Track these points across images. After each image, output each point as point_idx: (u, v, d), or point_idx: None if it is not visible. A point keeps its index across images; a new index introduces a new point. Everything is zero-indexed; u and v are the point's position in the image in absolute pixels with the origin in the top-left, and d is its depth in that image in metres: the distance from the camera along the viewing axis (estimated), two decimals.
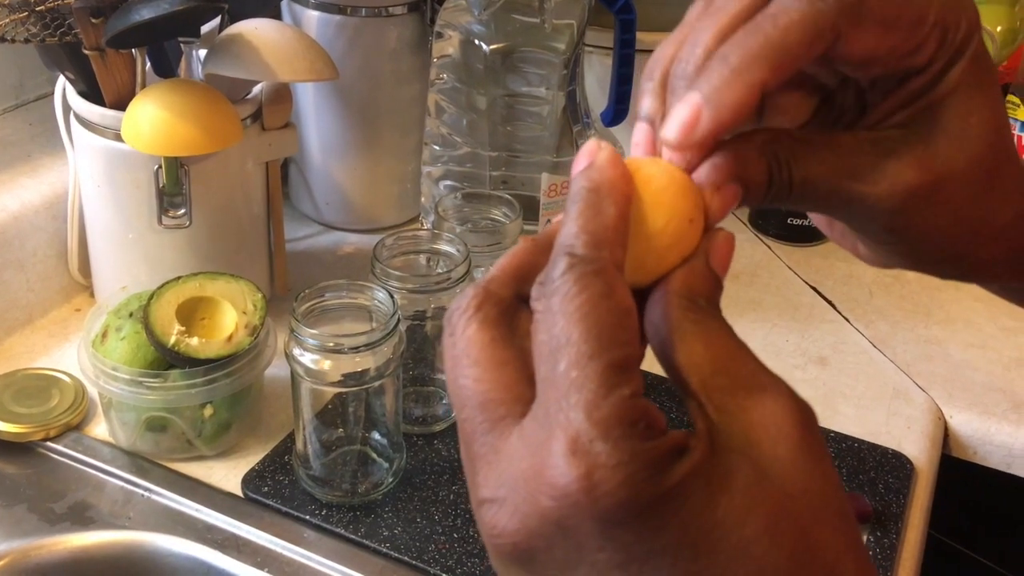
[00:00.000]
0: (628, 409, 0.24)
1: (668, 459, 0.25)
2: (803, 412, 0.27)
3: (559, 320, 0.25)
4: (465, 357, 0.27)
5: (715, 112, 0.29)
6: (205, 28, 0.71)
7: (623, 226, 0.27)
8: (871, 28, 0.30)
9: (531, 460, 0.25)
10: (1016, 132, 0.97)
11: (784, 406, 0.26)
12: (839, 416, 0.72)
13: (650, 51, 0.89)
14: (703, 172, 0.30)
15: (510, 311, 0.28)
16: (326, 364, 0.59)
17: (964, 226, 0.33)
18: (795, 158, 0.31)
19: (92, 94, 0.69)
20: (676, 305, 0.28)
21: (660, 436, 0.25)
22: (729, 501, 0.25)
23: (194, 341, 0.62)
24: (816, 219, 0.39)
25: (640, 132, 0.31)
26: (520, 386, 0.27)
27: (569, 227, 0.27)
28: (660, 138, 0.30)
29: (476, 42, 0.76)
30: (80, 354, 0.64)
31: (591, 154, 0.28)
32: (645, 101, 0.32)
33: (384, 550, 0.59)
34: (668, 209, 0.29)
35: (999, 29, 0.97)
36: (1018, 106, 0.96)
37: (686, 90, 0.30)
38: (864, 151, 0.32)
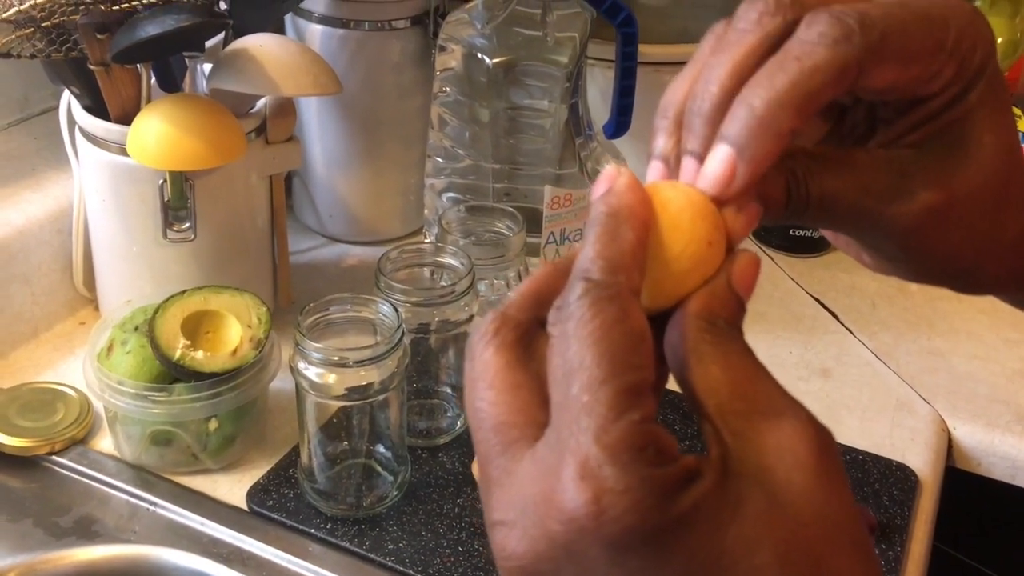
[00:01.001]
0: (638, 434, 0.25)
1: (678, 485, 0.25)
2: (820, 438, 0.26)
3: (573, 344, 0.26)
4: (481, 380, 0.27)
5: (749, 165, 0.29)
6: (209, 43, 0.71)
7: (640, 251, 0.27)
8: (892, 62, 0.30)
9: (541, 484, 0.25)
10: (1020, 144, 0.97)
11: (800, 432, 0.26)
12: (843, 428, 0.72)
13: (652, 63, 0.89)
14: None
15: (528, 335, 0.28)
16: (331, 378, 0.59)
17: (975, 243, 0.33)
18: (812, 175, 0.31)
19: (97, 109, 0.70)
20: (694, 327, 0.28)
21: (671, 462, 0.25)
22: (739, 529, 0.25)
23: (199, 355, 0.62)
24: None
25: (655, 171, 0.31)
26: (534, 409, 0.27)
27: (587, 252, 0.27)
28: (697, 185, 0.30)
29: (479, 55, 0.77)
30: (85, 368, 0.64)
31: (610, 179, 0.29)
32: (659, 140, 0.31)
33: (389, 563, 0.60)
34: (687, 232, 0.29)
35: (1000, 41, 0.98)
36: (1019, 117, 0.96)
37: (703, 127, 0.30)
38: (880, 170, 0.32)
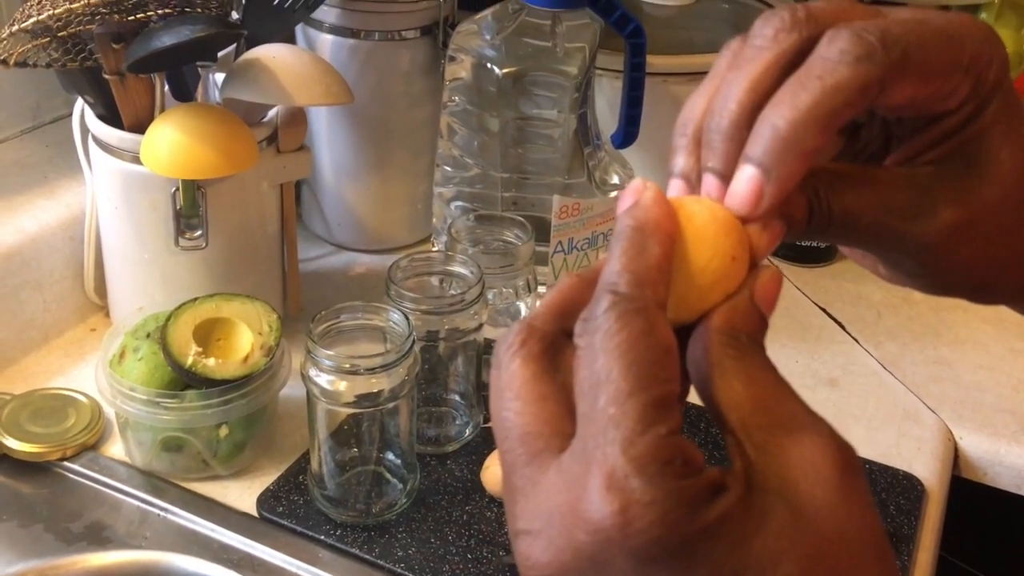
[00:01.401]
0: (665, 447, 0.25)
1: (703, 498, 0.25)
2: (843, 453, 0.27)
3: (600, 357, 0.26)
4: (508, 391, 0.28)
5: (776, 185, 0.29)
6: (222, 53, 0.72)
7: (666, 265, 0.28)
8: (912, 79, 0.30)
9: (567, 494, 0.26)
10: None
11: (823, 447, 0.27)
12: (849, 437, 0.71)
13: (660, 74, 0.89)
14: None
15: (554, 347, 0.28)
16: (341, 385, 0.60)
17: (994, 256, 0.33)
18: (834, 193, 0.31)
19: (111, 117, 0.70)
20: (717, 341, 0.28)
21: (697, 474, 0.25)
22: (763, 542, 0.25)
23: (211, 362, 0.63)
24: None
25: (675, 189, 0.32)
26: (560, 420, 0.27)
27: (613, 265, 0.28)
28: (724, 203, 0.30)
29: (488, 65, 0.77)
30: (97, 374, 0.65)
31: (637, 192, 0.29)
32: (679, 158, 0.32)
33: (398, 570, 0.60)
34: (711, 247, 0.29)
35: None
36: None
37: (723, 144, 0.30)
38: (901, 188, 0.32)
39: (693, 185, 0.31)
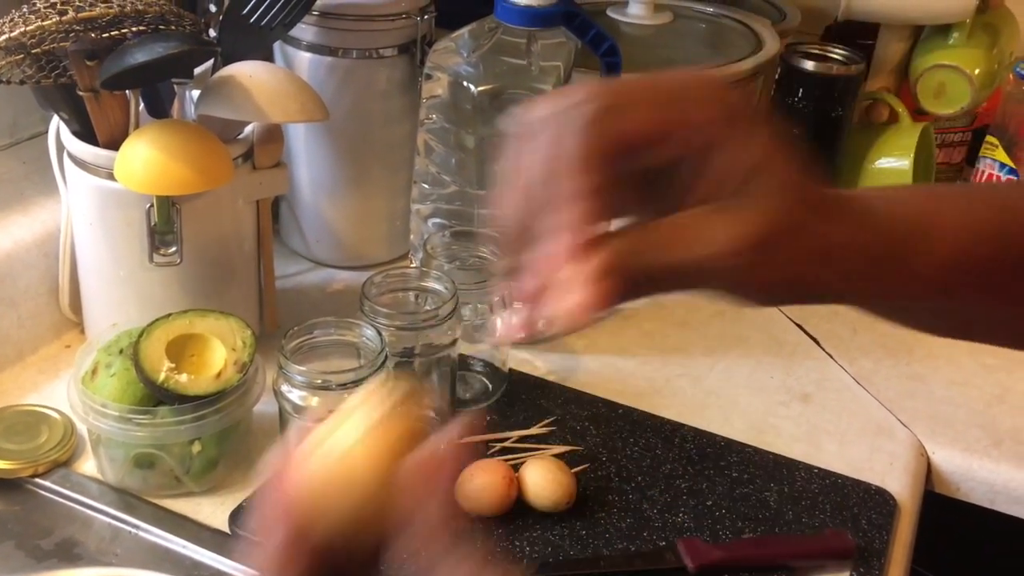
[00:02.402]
0: None
1: None
2: None
3: None
4: None
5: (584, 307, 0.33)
6: (198, 69, 0.72)
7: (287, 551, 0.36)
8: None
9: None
10: (995, 172, 0.98)
11: None
12: (823, 452, 0.73)
13: None
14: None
15: None
16: (313, 401, 0.60)
17: (791, 268, 0.36)
18: (641, 257, 0.34)
19: (86, 134, 0.70)
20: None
21: None
22: None
23: (183, 378, 0.63)
24: None
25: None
26: None
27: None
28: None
29: (465, 83, 0.78)
30: (70, 390, 0.65)
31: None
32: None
33: None
34: (355, 499, 0.34)
35: (976, 72, 0.99)
36: (996, 147, 0.98)
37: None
38: (688, 225, 0.35)
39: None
